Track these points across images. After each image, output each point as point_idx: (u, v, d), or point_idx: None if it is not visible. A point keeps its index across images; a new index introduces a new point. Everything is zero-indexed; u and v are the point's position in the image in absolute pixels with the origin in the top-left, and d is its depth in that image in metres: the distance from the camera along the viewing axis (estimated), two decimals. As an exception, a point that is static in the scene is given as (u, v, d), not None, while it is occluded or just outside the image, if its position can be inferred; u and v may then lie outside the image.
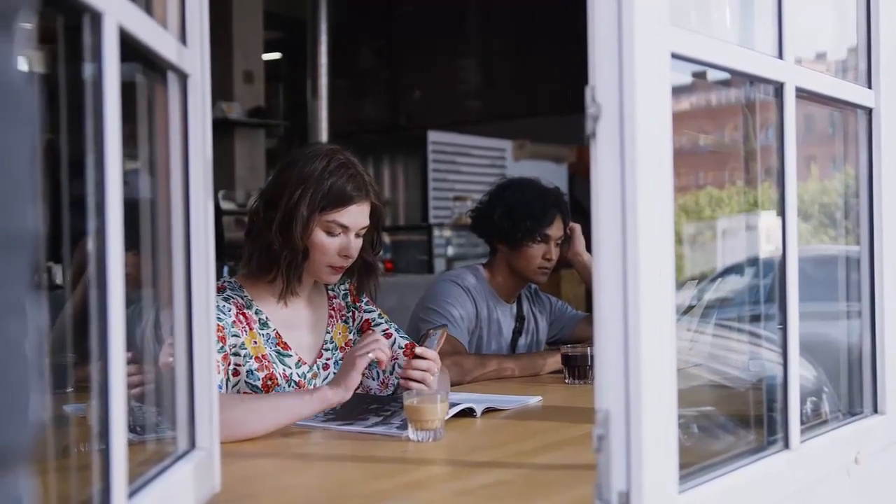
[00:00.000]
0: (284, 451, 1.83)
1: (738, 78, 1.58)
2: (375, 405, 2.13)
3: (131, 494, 1.06)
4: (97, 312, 0.98)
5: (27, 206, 0.56)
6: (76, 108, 1.00)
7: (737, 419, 1.67)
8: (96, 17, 0.98)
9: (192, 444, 1.35)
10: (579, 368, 2.61)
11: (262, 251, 2.20)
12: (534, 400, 2.33)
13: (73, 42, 1.00)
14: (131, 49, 1.08)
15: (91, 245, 0.99)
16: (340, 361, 2.31)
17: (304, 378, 2.25)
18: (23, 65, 0.60)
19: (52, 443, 1.17)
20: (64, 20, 1.01)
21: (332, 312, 2.37)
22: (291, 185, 2.16)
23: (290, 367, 2.22)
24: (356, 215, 2.20)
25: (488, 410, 2.17)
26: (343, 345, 2.36)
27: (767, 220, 1.81)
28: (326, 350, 2.33)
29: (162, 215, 1.33)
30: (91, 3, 0.96)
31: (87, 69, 0.99)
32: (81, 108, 0.99)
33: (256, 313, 2.22)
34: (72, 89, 1.02)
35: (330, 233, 2.19)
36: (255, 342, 2.18)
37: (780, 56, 1.49)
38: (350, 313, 2.40)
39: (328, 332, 2.35)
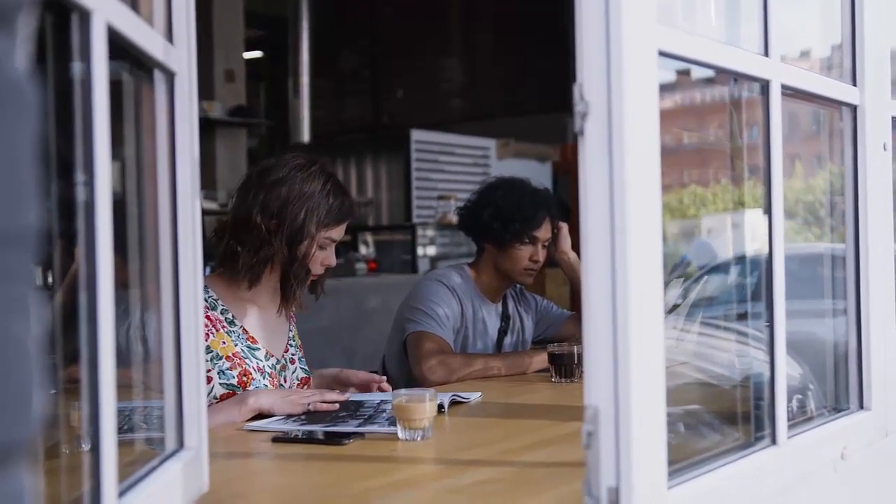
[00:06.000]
0: (272, 450, 1.83)
1: (722, 76, 1.58)
2: (354, 407, 2.14)
3: (121, 494, 1.05)
4: (87, 314, 0.98)
5: (31, 203, 0.56)
6: (63, 106, 0.99)
7: (724, 416, 1.67)
8: (85, 15, 0.97)
9: (181, 444, 1.34)
10: (566, 367, 2.62)
11: (264, 263, 2.24)
12: (474, 396, 2.34)
13: (58, 40, 0.99)
14: (117, 47, 1.07)
15: (80, 246, 0.98)
16: (303, 359, 2.44)
17: (275, 370, 2.31)
18: (25, 63, 0.60)
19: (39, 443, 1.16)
20: (51, 18, 1.00)
21: (291, 313, 2.46)
22: (293, 202, 2.21)
23: (261, 360, 2.28)
24: (343, 230, 2.32)
25: (454, 403, 2.22)
26: (298, 345, 2.46)
27: (752, 219, 1.82)
28: (291, 346, 2.42)
29: (149, 215, 1.32)
30: (80, 0, 0.95)
31: (75, 67, 0.99)
32: (69, 106, 0.98)
33: (222, 313, 2.25)
34: (58, 87, 1.01)
35: (322, 247, 2.27)
36: (224, 342, 2.21)
37: (766, 54, 1.49)
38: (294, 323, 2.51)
39: (291, 330, 2.44)
